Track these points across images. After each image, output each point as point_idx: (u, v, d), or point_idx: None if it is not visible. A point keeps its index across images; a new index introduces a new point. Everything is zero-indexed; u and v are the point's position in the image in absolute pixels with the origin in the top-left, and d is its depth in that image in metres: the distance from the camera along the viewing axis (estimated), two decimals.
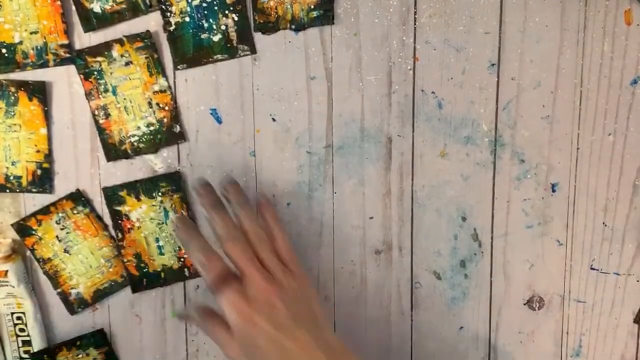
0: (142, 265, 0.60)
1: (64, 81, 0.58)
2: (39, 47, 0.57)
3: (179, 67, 0.58)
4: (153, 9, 0.57)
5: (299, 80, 0.58)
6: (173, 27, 0.57)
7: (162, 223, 0.60)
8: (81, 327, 0.62)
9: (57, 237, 0.60)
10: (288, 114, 0.59)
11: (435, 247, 0.62)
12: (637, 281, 0.62)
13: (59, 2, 0.56)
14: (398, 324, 0.63)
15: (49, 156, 0.58)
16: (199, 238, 0.53)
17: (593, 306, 0.62)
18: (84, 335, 0.61)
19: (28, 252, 0.60)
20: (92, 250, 0.60)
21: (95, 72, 0.57)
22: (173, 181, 0.59)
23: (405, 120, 0.59)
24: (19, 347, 0.61)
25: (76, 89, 0.58)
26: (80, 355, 0.62)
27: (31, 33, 0.56)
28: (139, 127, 0.58)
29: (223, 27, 0.57)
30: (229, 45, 0.58)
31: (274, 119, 0.59)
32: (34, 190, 0.59)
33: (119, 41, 0.57)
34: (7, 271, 0.58)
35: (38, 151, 0.58)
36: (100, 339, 0.62)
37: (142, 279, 0.61)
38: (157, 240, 0.60)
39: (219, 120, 0.59)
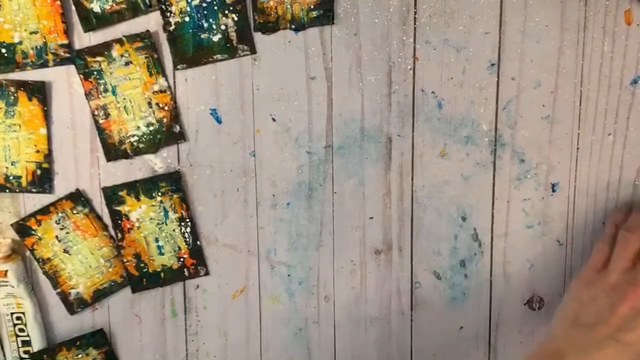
0: (142, 265, 0.60)
1: (64, 81, 0.58)
2: (38, 47, 0.56)
3: (178, 67, 0.58)
4: (153, 9, 0.57)
5: (299, 80, 0.58)
6: (173, 27, 0.57)
7: (162, 223, 0.60)
8: (81, 327, 0.62)
9: (56, 237, 0.59)
10: (288, 114, 0.59)
11: (435, 247, 0.61)
12: None
13: (58, 2, 0.56)
14: (398, 324, 0.63)
15: (48, 156, 0.58)
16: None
17: None
18: (84, 335, 0.61)
19: (28, 252, 0.60)
20: (91, 250, 0.60)
21: (95, 72, 0.57)
22: (173, 181, 0.59)
23: (405, 120, 0.59)
24: (18, 347, 0.61)
25: (76, 89, 0.58)
26: (80, 355, 0.62)
27: (31, 33, 0.56)
28: (138, 127, 0.58)
29: (223, 27, 0.57)
30: (228, 45, 0.58)
31: (274, 119, 0.59)
32: (33, 190, 0.59)
33: (119, 41, 0.57)
34: (6, 271, 0.58)
35: (38, 151, 0.58)
36: (100, 338, 0.62)
37: (142, 279, 0.61)
38: (157, 240, 0.60)
39: (218, 120, 0.59)
